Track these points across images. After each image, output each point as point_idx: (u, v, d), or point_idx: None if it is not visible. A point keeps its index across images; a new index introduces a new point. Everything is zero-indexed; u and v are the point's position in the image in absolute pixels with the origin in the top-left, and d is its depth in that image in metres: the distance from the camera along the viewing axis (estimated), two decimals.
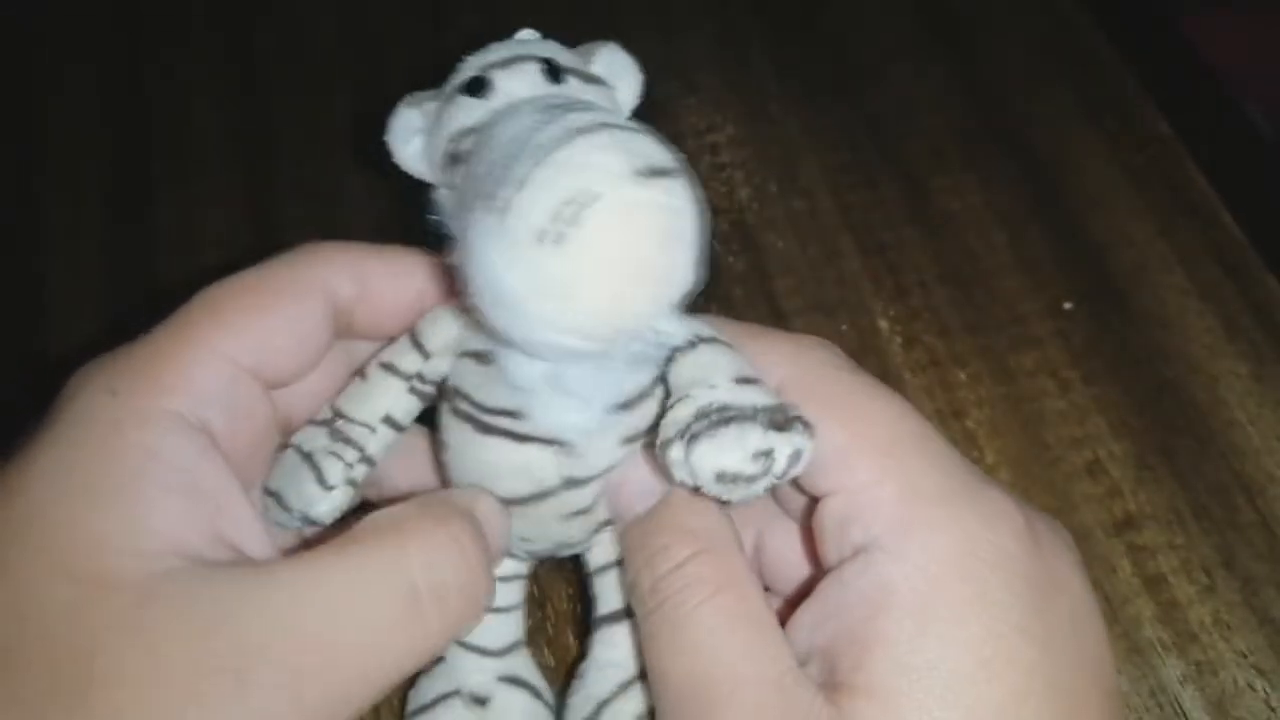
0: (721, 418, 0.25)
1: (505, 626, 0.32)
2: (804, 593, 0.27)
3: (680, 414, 0.26)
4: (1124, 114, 0.50)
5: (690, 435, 0.25)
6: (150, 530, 0.23)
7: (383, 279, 0.30)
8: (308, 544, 0.28)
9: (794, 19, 0.55)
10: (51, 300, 0.46)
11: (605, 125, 0.23)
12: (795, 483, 0.27)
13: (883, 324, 0.44)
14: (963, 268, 0.46)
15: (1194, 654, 0.36)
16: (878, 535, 0.24)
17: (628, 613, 0.31)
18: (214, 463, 0.26)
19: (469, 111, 0.27)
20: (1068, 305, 0.45)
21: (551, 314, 0.23)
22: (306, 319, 0.28)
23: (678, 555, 0.26)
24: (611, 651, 0.31)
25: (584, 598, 0.33)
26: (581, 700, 0.31)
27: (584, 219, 0.22)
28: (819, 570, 0.27)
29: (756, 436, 0.24)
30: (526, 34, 0.29)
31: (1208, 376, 0.42)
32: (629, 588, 0.28)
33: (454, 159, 0.27)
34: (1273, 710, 0.35)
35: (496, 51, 0.28)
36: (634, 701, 0.30)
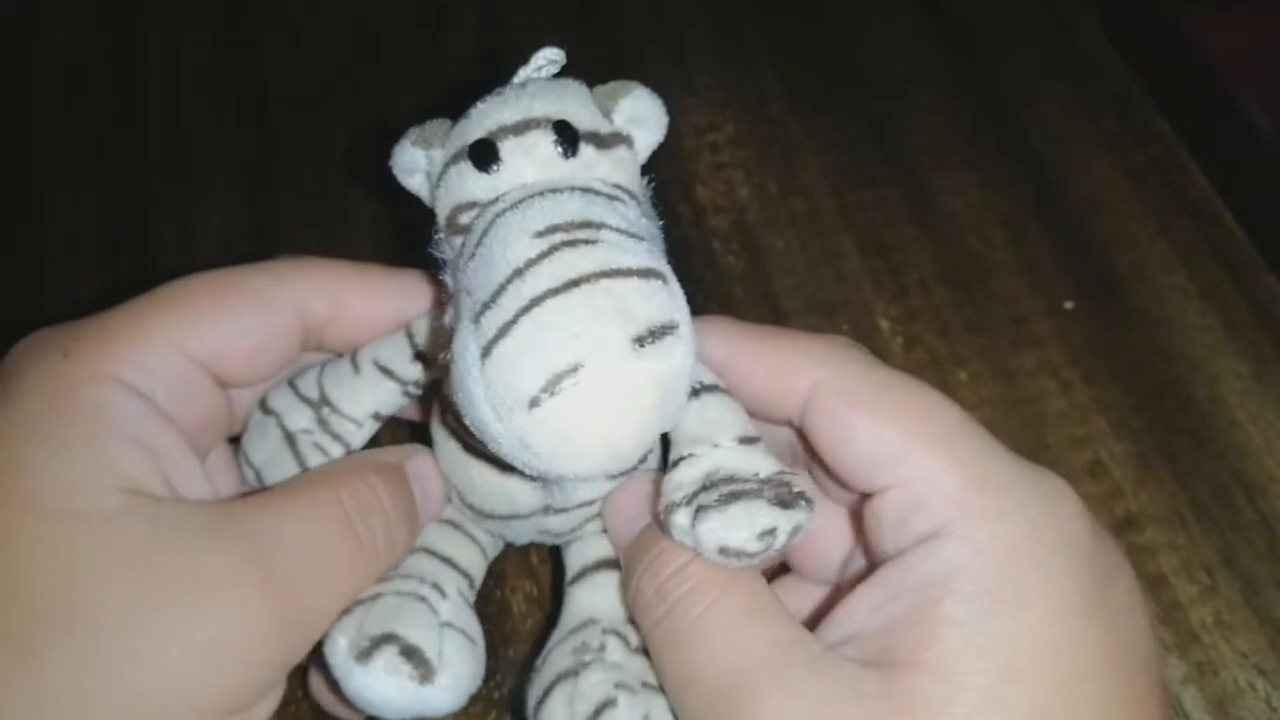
0: (730, 492, 0.25)
1: (473, 555, 0.31)
2: (844, 581, 0.28)
3: (685, 476, 0.25)
4: (1124, 114, 0.50)
5: (698, 506, 0.25)
6: (111, 472, 0.25)
7: (359, 300, 0.31)
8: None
9: (794, 18, 0.55)
10: (51, 301, 0.46)
11: (604, 274, 0.22)
12: (839, 480, 0.27)
13: (883, 324, 0.44)
14: (963, 268, 0.46)
15: (1195, 654, 0.36)
16: (944, 522, 0.24)
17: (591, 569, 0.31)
18: (161, 424, 0.27)
19: (474, 183, 0.25)
20: (1068, 305, 0.45)
21: (538, 464, 0.23)
22: (266, 329, 0.29)
23: (678, 558, 0.26)
24: (580, 601, 0.30)
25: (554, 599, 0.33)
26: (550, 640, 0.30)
27: (575, 396, 0.21)
28: (872, 561, 0.27)
29: (763, 516, 0.24)
30: (548, 56, 0.27)
31: (1208, 376, 0.42)
32: (630, 599, 0.28)
33: (455, 228, 0.26)
34: (1274, 711, 0.35)
35: (510, 104, 0.26)
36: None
